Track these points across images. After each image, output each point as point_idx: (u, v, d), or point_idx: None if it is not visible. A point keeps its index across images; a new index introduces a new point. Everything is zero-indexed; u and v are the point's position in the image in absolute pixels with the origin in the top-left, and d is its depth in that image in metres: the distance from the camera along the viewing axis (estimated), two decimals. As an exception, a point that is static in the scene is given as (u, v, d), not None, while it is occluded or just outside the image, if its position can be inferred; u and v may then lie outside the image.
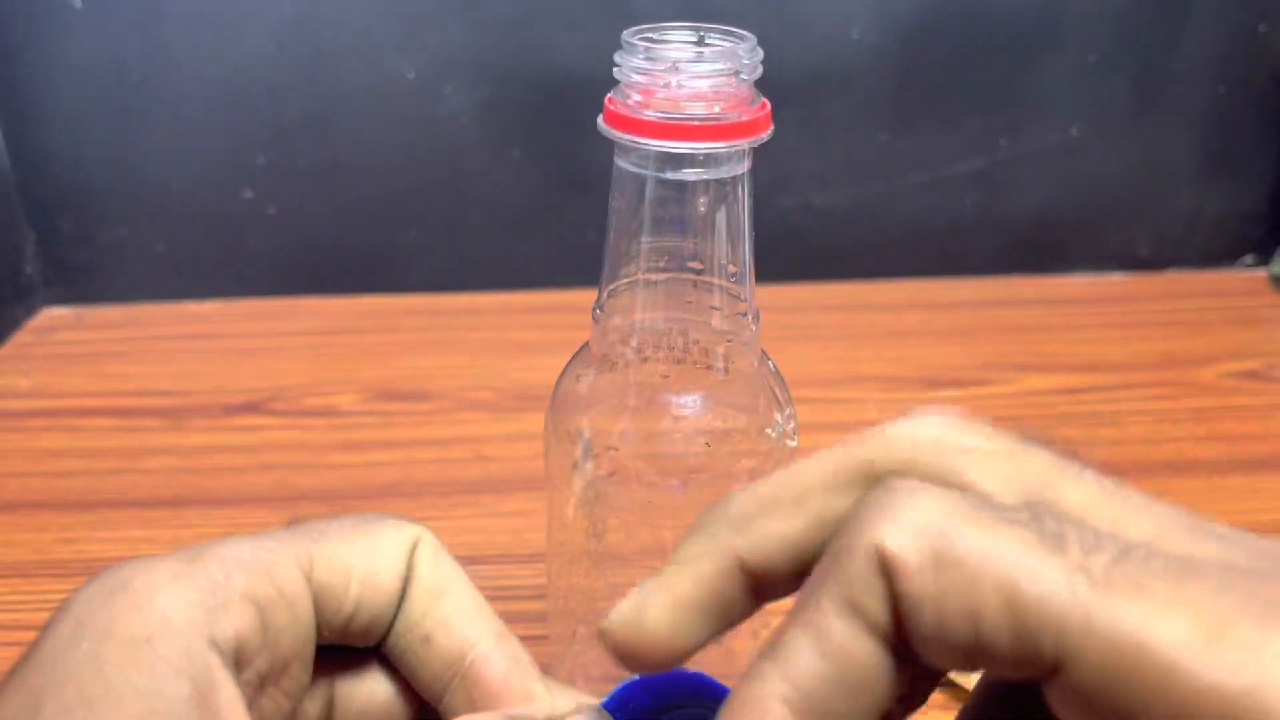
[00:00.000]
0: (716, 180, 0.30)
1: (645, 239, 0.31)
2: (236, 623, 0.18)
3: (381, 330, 0.67)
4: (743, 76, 0.29)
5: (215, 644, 0.18)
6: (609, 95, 0.30)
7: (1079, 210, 0.72)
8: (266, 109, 0.65)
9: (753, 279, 0.32)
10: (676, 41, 0.30)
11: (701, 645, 0.18)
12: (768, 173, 0.68)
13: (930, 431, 0.17)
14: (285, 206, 0.68)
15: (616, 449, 0.33)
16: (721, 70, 0.28)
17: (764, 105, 0.29)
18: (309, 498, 0.52)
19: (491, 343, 0.66)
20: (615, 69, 0.29)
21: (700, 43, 0.30)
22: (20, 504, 0.52)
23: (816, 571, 0.16)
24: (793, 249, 0.71)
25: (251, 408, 0.59)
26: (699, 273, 0.31)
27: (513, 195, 0.69)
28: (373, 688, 0.22)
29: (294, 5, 0.63)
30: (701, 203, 0.30)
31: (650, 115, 0.28)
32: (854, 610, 0.16)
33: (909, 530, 0.15)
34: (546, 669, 0.42)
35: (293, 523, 0.21)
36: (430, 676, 0.21)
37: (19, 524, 0.50)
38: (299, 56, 0.64)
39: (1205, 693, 0.13)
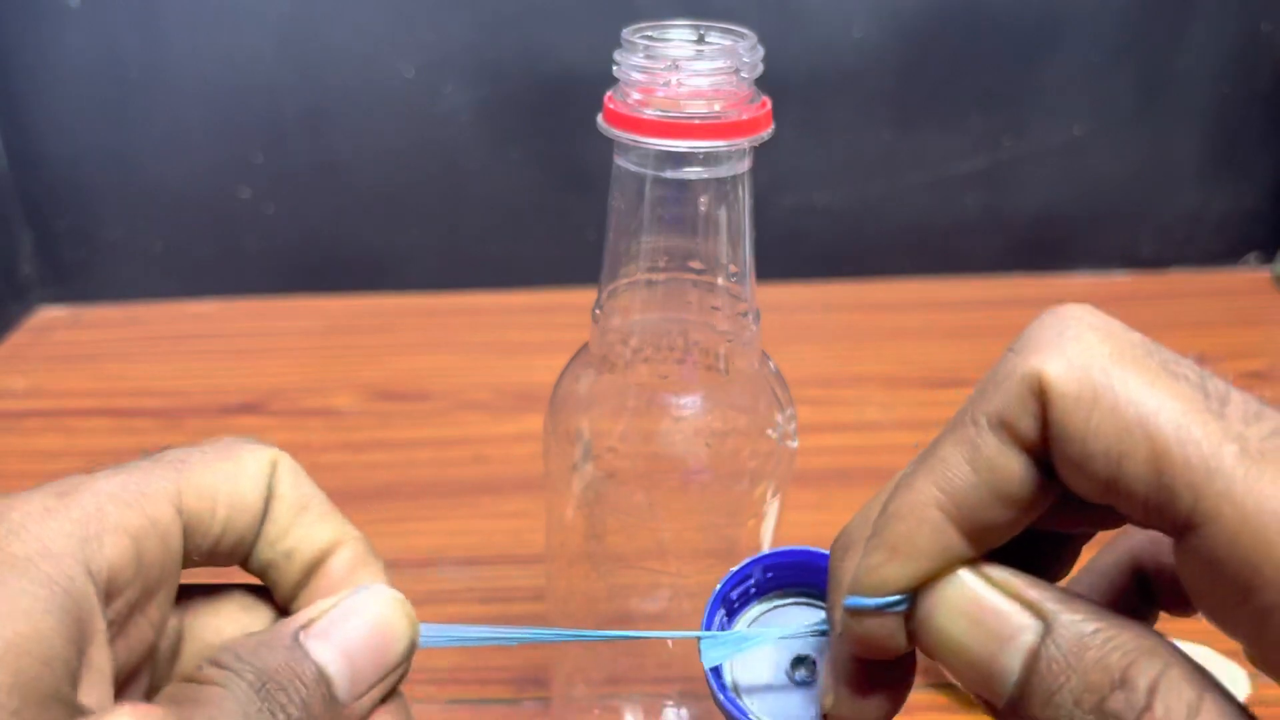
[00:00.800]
0: (717, 179, 0.29)
1: (645, 238, 0.30)
2: (110, 554, 0.19)
3: (380, 330, 0.67)
4: (743, 75, 0.29)
5: (90, 574, 0.18)
6: (609, 93, 0.29)
7: (1082, 209, 0.72)
8: (264, 108, 0.65)
9: (753, 278, 0.32)
10: (676, 39, 0.29)
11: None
12: (768, 172, 0.68)
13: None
14: (283, 206, 0.68)
15: (616, 449, 0.32)
16: (722, 68, 0.28)
17: (765, 103, 0.29)
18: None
19: (491, 343, 0.65)
20: (615, 67, 0.29)
21: (700, 40, 0.29)
22: (16, 505, 0.51)
23: (976, 387, 0.18)
24: (794, 248, 0.71)
25: (249, 408, 0.59)
26: (699, 272, 0.31)
27: (512, 194, 0.69)
28: (220, 624, 0.22)
29: (292, 4, 0.63)
30: (702, 202, 0.30)
31: (650, 114, 0.28)
32: (1006, 428, 0.17)
33: (1072, 362, 0.16)
34: (546, 670, 0.42)
35: (152, 453, 0.22)
36: (291, 587, 0.22)
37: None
38: (297, 55, 0.64)
39: None
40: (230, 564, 0.22)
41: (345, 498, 0.57)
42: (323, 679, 0.19)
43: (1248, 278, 0.73)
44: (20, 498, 0.19)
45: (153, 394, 0.60)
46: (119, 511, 0.19)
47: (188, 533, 0.21)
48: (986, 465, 0.17)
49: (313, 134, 0.66)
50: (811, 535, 0.47)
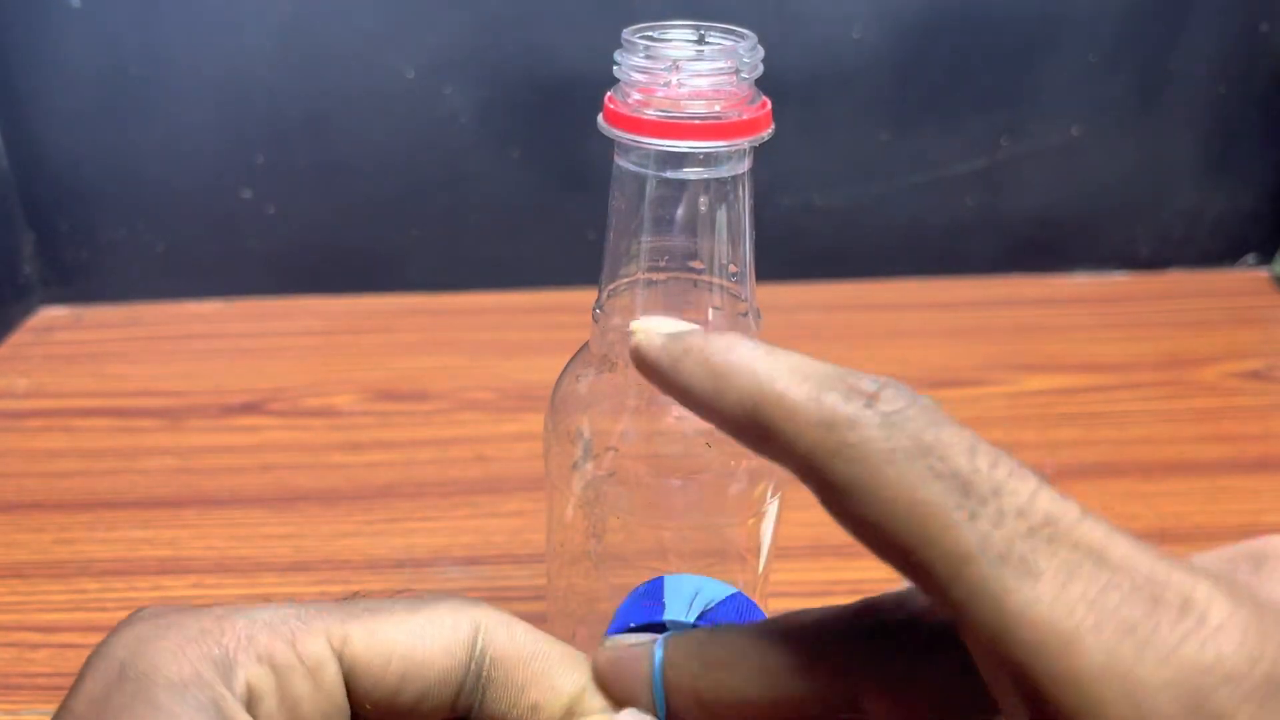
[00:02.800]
0: (717, 179, 0.30)
1: (645, 238, 0.30)
2: (249, 678, 0.19)
3: (381, 330, 0.67)
4: (743, 75, 0.29)
5: (233, 694, 0.19)
6: (609, 94, 0.29)
7: (1080, 210, 0.72)
8: (265, 108, 0.65)
9: (753, 279, 0.32)
10: (677, 40, 0.30)
11: None
12: (768, 172, 0.68)
13: None
14: (284, 206, 0.68)
15: (616, 449, 0.33)
16: (722, 69, 0.28)
17: (764, 104, 0.29)
18: (308, 498, 0.52)
19: (491, 343, 0.65)
20: (615, 68, 0.29)
21: (700, 41, 0.30)
22: (18, 505, 0.51)
23: None
24: (793, 248, 0.71)
25: (250, 408, 0.59)
26: (699, 272, 0.31)
27: (512, 194, 0.69)
28: None
29: (293, 4, 0.63)
30: (702, 202, 0.30)
31: (650, 114, 0.28)
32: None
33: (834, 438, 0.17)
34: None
35: (350, 597, 0.21)
36: None
37: (17, 524, 0.50)
38: (298, 56, 0.64)
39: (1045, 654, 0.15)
40: (428, 718, 0.22)
41: (348, 497, 0.57)
42: None
43: (1246, 278, 0.74)
44: (180, 618, 0.19)
45: (154, 394, 0.60)
46: (267, 640, 0.19)
47: (352, 678, 0.20)
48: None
49: (314, 135, 0.66)
50: (812, 535, 0.47)
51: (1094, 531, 0.15)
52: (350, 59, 0.64)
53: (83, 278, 0.69)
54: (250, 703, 0.19)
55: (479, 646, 0.21)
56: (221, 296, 0.70)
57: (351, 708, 0.21)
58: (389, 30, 0.64)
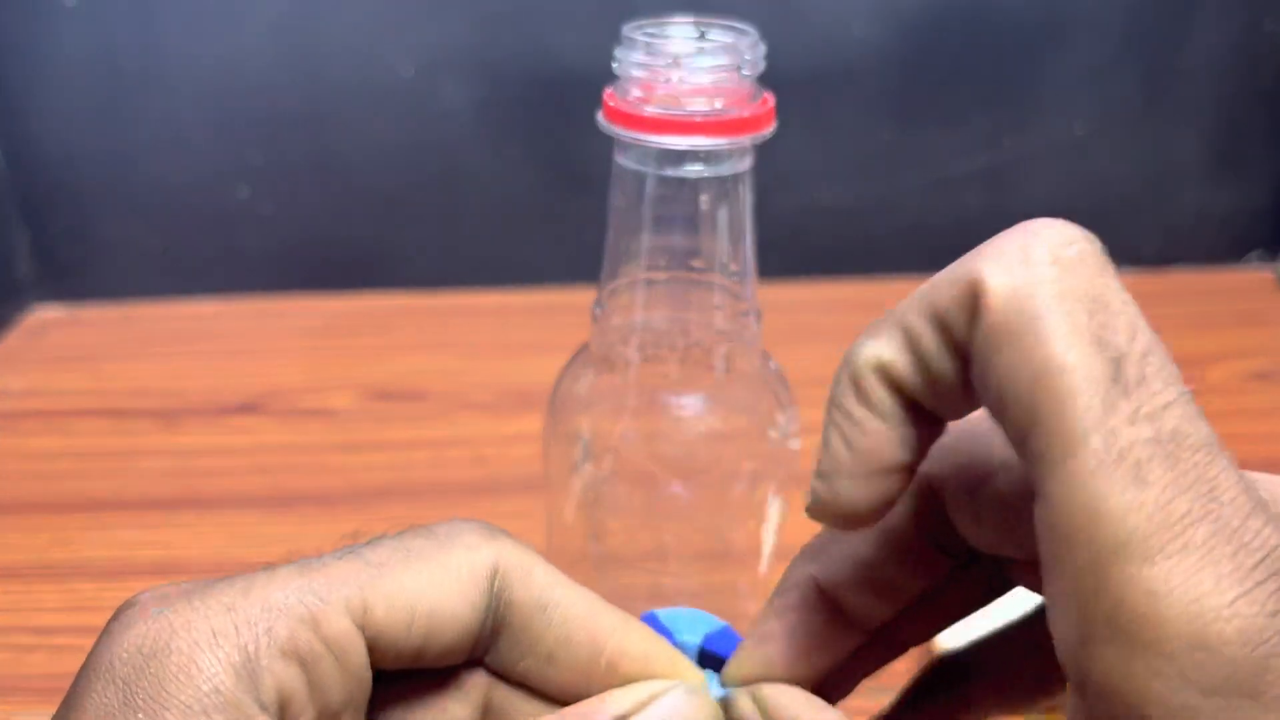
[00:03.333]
0: (718, 177, 0.29)
1: (646, 237, 0.30)
2: (279, 680, 0.18)
3: (378, 330, 0.67)
4: (745, 71, 0.28)
5: (262, 705, 0.17)
6: (609, 90, 0.29)
7: (1084, 208, 0.71)
8: (262, 106, 0.65)
9: (754, 277, 0.31)
10: (678, 36, 0.29)
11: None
12: (770, 170, 0.67)
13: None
14: (281, 204, 0.68)
15: (616, 450, 0.32)
16: (723, 65, 0.28)
17: (766, 101, 0.29)
18: (305, 499, 0.51)
19: (490, 343, 0.65)
20: (615, 64, 0.29)
21: (702, 37, 0.29)
22: (13, 505, 0.51)
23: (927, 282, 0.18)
24: (795, 247, 0.71)
25: (246, 408, 0.59)
26: (700, 271, 0.31)
27: (511, 193, 0.68)
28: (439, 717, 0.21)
29: (290, 2, 0.62)
30: (703, 200, 0.30)
31: (651, 111, 0.28)
32: (933, 314, 0.17)
33: (1015, 285, 0.16)
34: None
35: (353, 538, 0.20)
36: (561, 687, 0.21)
37: (12, 525, 0.50)
38: (294, 53, 0.64)
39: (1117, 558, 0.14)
40: (448, 664, 0.21)
41: (345, 498, 0.57)
42: None
43: (1251, 277, 0.73)
44: (185, 617, 0.18)
45: (150, 394, 0.60)
46: (290, 631, 0.18)
47: (376, 645, 0.19)
48: (910, 343, 0.17)
49: (311, 133, 0.66)
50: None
51: (1213, 464, 0.15)
52: (347, 56, 0.64)
53: (78, 276, 0.69)
54: (282, 708, 0.18)
55: (495, 590, 0.20)
56: (218, 295, 0.69)
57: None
58: (386, 27, 0.64)
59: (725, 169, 0.29)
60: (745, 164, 0.30)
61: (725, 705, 0.21)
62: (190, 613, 0.18)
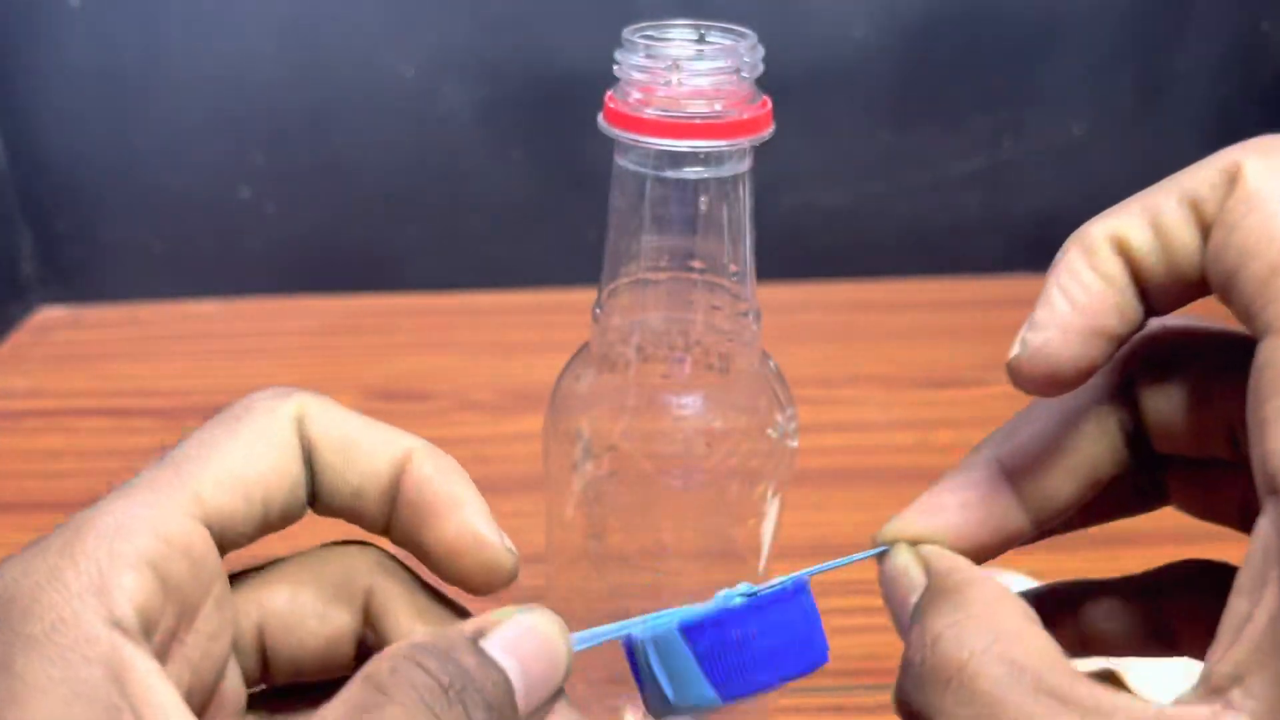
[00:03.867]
0: (717, 179, 0.29)
1: (646, 238, 0.30)
2: (133, 595, 0.18)
3: (380, 330, 0.67)
4: (744, 74, 0.29)
5: (117, 623, 0.17)
6: (609, 93, 0.29)
7: (1082, 209, 0.71)
8: (264, 108, 0.65)
9: (753, 278, 0.32)
10: (677, 39, 0.29)
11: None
12: (769, 171, 0.68)
13: None
14: (283, 206, 0.68)
15: (616, 449, 0.32)
16: (722, 68, 0.28)
17: (765, 103, 0.29)
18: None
19: (491, 343, 0.65)
20: (615, 67, 0.29)
21: (701, 40, 0.29)
22: (16, 505, 0.51)
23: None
24: (794, 248, 0.71)
25: (249, 408, 0.59)
26: (700, 272, 0.31)
27: (512, 194, 0.69)
28: (289, 601, 0.22)
29: (292, 4, 0.63)
30: (702, 201, 0.30)
31: (651, 113, 0.28)
32: (1191, 204, 0.18)
33: (1270, 165, 0.18)
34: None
35: (163, 452, 0.20)
36: (375, 519, 0.22)
37: (16, 525, 0.50)
38: (297, 55, 0.64)
39: None
40: (287, 526, 0.21)
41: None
42: (508, 687, 0.19)
43: (1248, 278, 0.73)
44: (24, 563, 0.18)
45: (153, 394, 0.60)
46: (131, 546, 0.18)
47: (220, 533, 0.20)
48: (1163, 230, 0.18)
49: (313, 134, 0.66)
50: (812, 535, 0.47)
51: None
52: (349, 58, 0.64)
53: (81, 277, 0.69)
54: (144, 617, 0.18)
55: (301, 436, 0.21)
56: (220, 296, 0.70)
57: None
58: (388, 29, 0.64)
59: (725, 170, 0.29)
60: (744, 165, 0.30)
61: (881, 559, 0.22)
62: (28, 560, 0.18)
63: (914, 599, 0.20)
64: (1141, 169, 0.81)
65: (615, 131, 0.29)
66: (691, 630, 0.21)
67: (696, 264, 0.31)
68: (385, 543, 0.23)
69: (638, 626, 0.22)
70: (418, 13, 0.63)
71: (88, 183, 0.67)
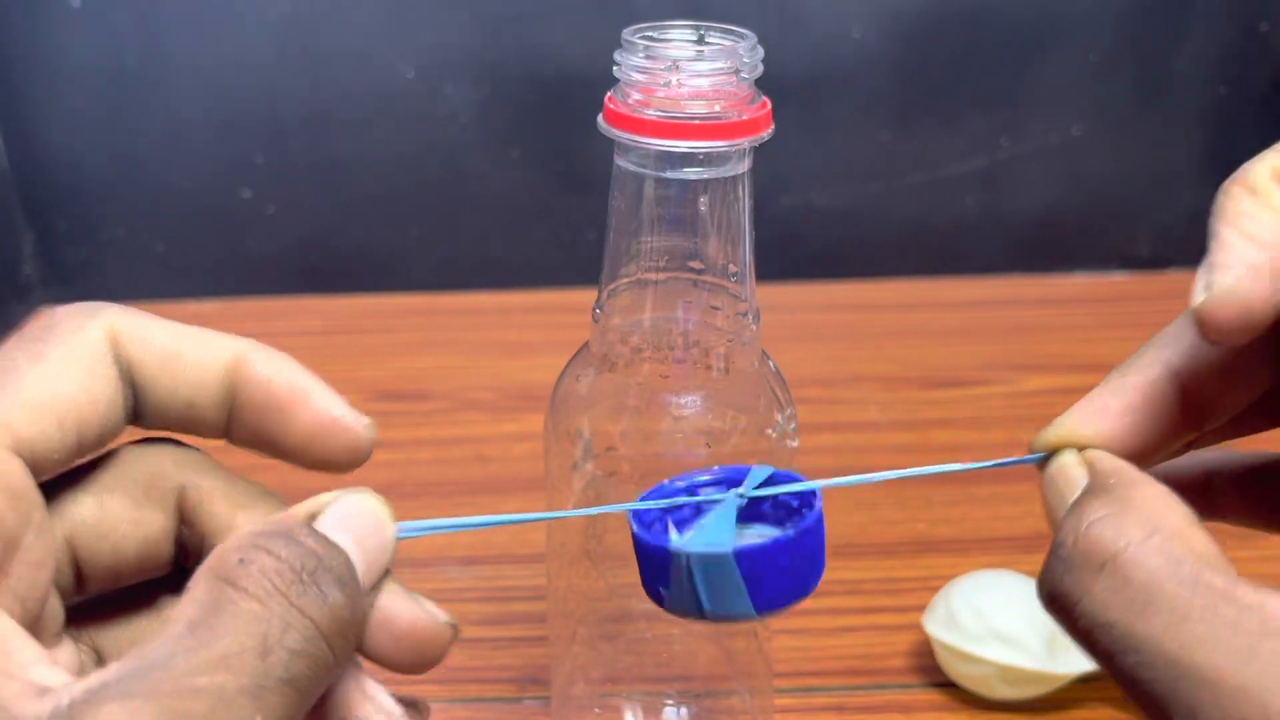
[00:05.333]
0: (717, 179, 0.30)
1: (645, 238, 0.30)
2: None
3: (380, 330, 0.67)
4: (743, 75, 0.29)
5: None
6: (609, 94, 0.29)
7: (1080, 210, 0.72)
8: (265, 108, 0.65)
9: (753, 278, 0.32)
10: (677, 40, 0.30)
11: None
12: (768, 172, 0.68)
13: None
14: (284, 206, 0.68)
15: (616, 449, 0.33)
16: (722, 69, 0.28)
17: (764, 104, 0.29)
18: (305, 498, 0.51)
19: (491, 343, 0.65)
20: (615, 68, 0.29)
21: (700, 41, 0.30)
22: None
23: None
24: (793, 249, 0.71)
25: (250, 408, 0.59)
26: (699, 272, 0.31)
27: (512, 194, 0.69)
28: (98, 509, 0.21)
29: (293, 4, 0.63)
30: (702, 202, 0.30)
31: (650, 114, 0.28)
32: None
33: None
34: (546, 670, 0.42)
35: None
36: (210, 425, 0.22)
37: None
38: (298, 56, 0.64)
39: None
40: (103, 447, 0.21)
41: (346, 497, 0.56)
42: (350, 565, 0.19)
43: (1246, 278, 0.73)
44: None
45: (153, 394, 0.60)
46: None
47: (35, 458, 0.19)
48: None
49: (314, 134, 0.66)
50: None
51: None
52: (350, 58, 0.64)
53: (82, 277, 0.69)
54: None
55: (117, 356, 0.20)
56: (221, 296, 0.70)
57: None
58: (389, 30, 0.64)
59: (724, 171, 0.29)
60: (744, 166, 0.30)
61: (1043, 464, 0.21)
62: None
63: (1072, 497, 0.19)
64: (1141, 169, 0.81)
65: (615, 132, 0.29)
66: (743, 556, 0.22)
67: (696, 264, 0.31)
68: (199, 442, 0.22)
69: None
70: (418, 13, 0.63)
71: (89, 183, 0.67)
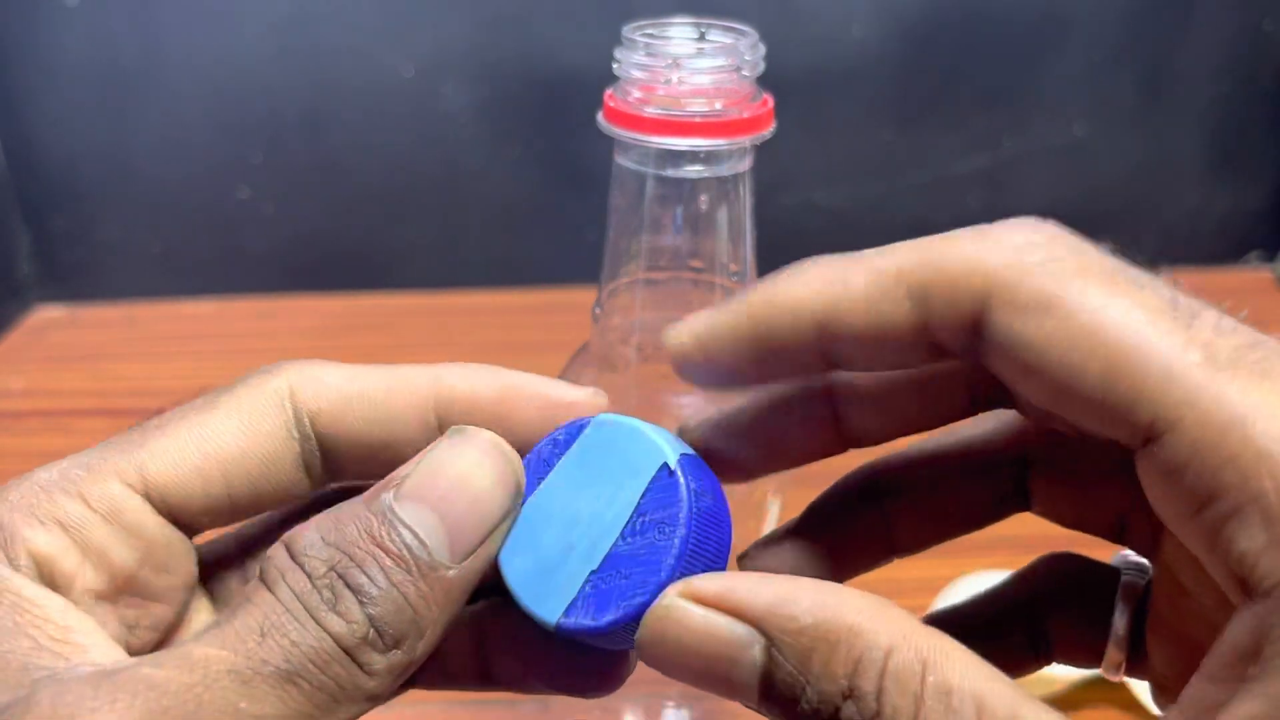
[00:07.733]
0: (718, 178, 0.29)
1: (645, 237, 0.30)
2: (30, 545, 0.18)
3: (379, 330, 0.67)
4: (744, 72, 0.28)
5: (10, 561, 0.18)
6: (609, 91, 0.29)
7: (1083, 209, 0.72)
8: (263, 107, 0.65)
9: (754, 278, 0.31)
10: (678, 37, 0.29)
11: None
12: (769, 170, 0.67)
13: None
14: (282, 205, 0.68)
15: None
16: (723, 66, 0.28)
17: (766, 101, 0.29)
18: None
19: (490, 342, 0.65)
20: (615, 65, 0.29)
21: (701, 38, 0.29)
22: (14, 505, 0.51)
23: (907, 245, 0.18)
24: (794, 248, 0.70)
25: (248, 408, 0.59)
26: (700, 272, 0.31)
27: (512, 193, 0.69)
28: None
29: (291, 3, 0.62)
30: (702, 201, 0.30)
31: (651, 112, 0.28)
32: (921, 300, 0.17)
33: (1019, 263, 0.16)
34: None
35: (144, 421, 0.20)
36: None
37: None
38: (296, 54, 0.64)
39: None
40: (277, 507, 0.20)
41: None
42: (416, 544, 0.17)
43: (1250, 277, 0.73)
44: None
45: (151, 394, 0.60)
46: (49, 501, 0.18)
47: (171, 503, 0.19)
48: (881, 316, 0.18)
49: (312, 133, 0.66)
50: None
51: None
52: (348, 57, 0.64)
53: (79, 277, 0.69)
54: (41, 567, 0.18)
55: (295, 410, 0.20)
56: (218, 296, 0.69)
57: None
58: (387, 28, 0.64)
59: (725, 169, 0.29)
60: (745, 164, 0.30)
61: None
62: None
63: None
64: (1142, 168, 0.81)
65: (615, 130, 0.29)
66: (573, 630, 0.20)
67: (696, 263, 0.31)
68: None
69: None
70: (417, 12, 0.63)
71: (85, 182, 0.66)
